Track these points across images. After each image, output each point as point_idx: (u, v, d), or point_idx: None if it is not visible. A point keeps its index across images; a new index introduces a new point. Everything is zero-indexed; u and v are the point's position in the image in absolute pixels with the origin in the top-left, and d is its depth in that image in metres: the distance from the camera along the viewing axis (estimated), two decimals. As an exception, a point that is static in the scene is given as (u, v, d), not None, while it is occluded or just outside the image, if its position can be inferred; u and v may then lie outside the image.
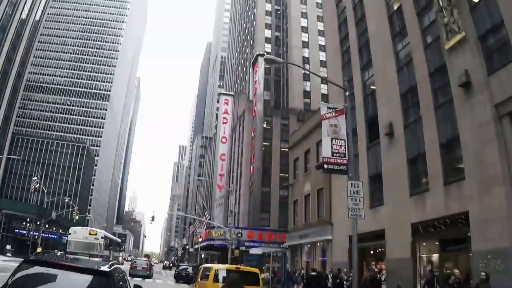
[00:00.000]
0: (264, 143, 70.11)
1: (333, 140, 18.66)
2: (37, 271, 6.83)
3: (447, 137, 23.01)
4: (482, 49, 20.52)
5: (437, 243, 23.85)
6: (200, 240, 72.05)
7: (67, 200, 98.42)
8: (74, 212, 69.74)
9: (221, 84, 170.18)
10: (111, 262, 8.16)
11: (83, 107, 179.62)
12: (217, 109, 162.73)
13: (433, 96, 24.55)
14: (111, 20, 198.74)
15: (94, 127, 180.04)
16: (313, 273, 28.36)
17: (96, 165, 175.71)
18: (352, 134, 32.48)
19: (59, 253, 22.47)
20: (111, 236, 79.25)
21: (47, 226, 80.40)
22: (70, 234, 57.41)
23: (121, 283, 7.76)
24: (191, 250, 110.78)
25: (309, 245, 39.53)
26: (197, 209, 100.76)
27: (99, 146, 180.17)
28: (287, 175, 70.44)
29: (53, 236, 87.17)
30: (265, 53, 77.98)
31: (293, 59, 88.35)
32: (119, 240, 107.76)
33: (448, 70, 22.68)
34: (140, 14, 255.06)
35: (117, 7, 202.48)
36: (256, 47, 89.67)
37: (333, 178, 35.77)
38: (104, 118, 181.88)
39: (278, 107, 79.76)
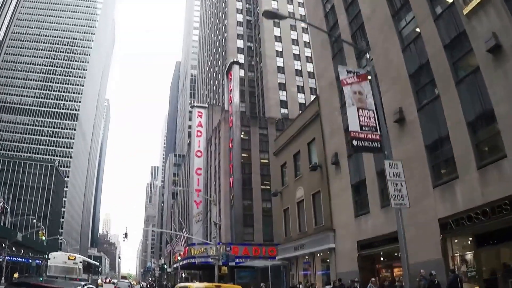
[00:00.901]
0: (242, 154, 65.46)
1: (360, 110, 14.19)
2: None
3: (476, 113, 19.15)
4: (509, 7, 17.35)
5: (472, 239, 19.71)
6: (179, 258, 66.42)
7: (34, 221, 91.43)
8: (40, 232, 63.16)
9: (192, 101, 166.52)
10: (84, 283, 10.91)
11: (51, 127, 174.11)
12: (189, 126, 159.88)
13: (452, 71, 20.62)
14: (78, 39, 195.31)
15: (64, 147, 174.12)
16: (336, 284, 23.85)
17: (66, 187, 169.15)
18: None
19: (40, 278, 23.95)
20: (89, 260, 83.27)
21: (14, 248, 73.64)
22: (50, 259, 60.44)
23: None
24: (169, 270, 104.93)
25: (306, 257, 34.77)
26: (174, 227, 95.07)
27: (69, 167, 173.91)
28: (268, 187, 66.59)
29: (21, 259, 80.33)
30: (238, 62, 73.65)
31: (267, 69, 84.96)
32: (97, 263, 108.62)
33: (470, 37, 19.40)
34: (107, 33, 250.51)
35: (84, 26, 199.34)
36: (229, 57, 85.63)
37: (331, 179, 31.46)
38: (73, 138, 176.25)
39: (255, 116, 75.30)
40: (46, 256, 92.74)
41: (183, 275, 79.47)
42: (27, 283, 9.41)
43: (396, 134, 24.27)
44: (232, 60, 73.75)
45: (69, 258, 59.61)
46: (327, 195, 31.64)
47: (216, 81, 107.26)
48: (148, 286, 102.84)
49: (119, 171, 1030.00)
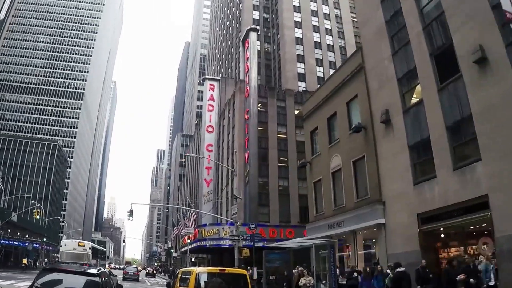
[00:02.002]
0: (258, 128, 59.81)
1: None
2: (53, 275, 10.69)
3: None
4: None
5: None
6: (188, 241, 60.98)
7: (33, 201, 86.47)
8: (35, 211, 57.99)
9: (201, 81, 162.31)
10: (98, 268, 13.96)
11: (56, 106, 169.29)
12: (198, 106, 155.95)
13: None
14: (85, 16, 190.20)
15: (68, 127, 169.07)
16: (401, 269, 18.23)
17: (70, 167, 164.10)
18: (410, 76, 23.35)
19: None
20: (97, 247, 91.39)
21: (9, 230, 68.63)
22: (61, 246, 64.33)
23: (107, 281, 11.69)
24: (175, 254, 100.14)
25: (344, 236, 29.07)
26: (180, 211, 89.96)
27: (73, 147, 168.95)
28: (286, 164, 61.23)
29: (17, 243, 75.34)
30: (256, 29, 67.88)
31: (284, 40, 79.78)
32: (104, 249, 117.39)
33: None
34: (115, 12, 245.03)
35: (92, 3, 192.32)
36: (243, 28, 79.73)
37: (379, 141, 25.82)
38: (78, 118, 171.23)
39: (272, 88, 69.61)
40: (45, 239, 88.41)
41: (192, 260, 74.26)
42: (57, 269, 11.73)
43: (475, 78, 18.86)
44: (249, 27, 67.70)
45: (79, 245, 62.95)
46: (374, 161, 25.98)
47: (229, 55, 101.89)
48: (154, 271, 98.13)
49: (125, 155, 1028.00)
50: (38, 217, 59.32)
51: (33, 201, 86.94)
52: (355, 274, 22.38)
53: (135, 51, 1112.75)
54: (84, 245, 63.88)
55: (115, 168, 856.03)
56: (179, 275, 16.86)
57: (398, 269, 18.53)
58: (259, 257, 33.53)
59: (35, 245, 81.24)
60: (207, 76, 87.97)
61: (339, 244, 29.60)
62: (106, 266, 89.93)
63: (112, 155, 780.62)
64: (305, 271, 21.90)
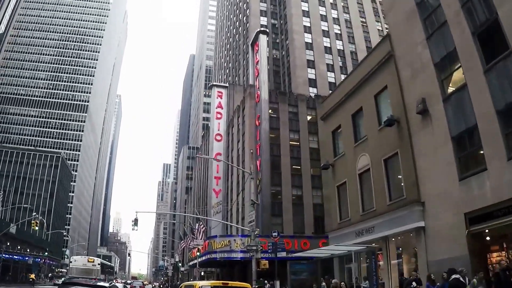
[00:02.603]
0: (270, 135, 57.03)
1: None
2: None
3: None
4: None
5: None
6: (198, 253, 57.76)
7: (34, 214, 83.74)
8: (33, 222, 54.85)
9: (207, 93, 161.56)
10: (110, 282, 17.56)
11: (60, 119, 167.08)
12: (204, 118, 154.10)
13: None
14: (89, 28, 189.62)
15: (72, 140, 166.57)
16: (456, 276, 15.34)
17: (74, 181, 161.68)
18: (449, 60, 20.65)
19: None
20: (106, 262, 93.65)
21: (8, 244, 65.82)
22: (71, 262, 66.59)
23: None
24: (182, 269, 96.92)
25: (373, 244, 26.04)
26: (189, 222, 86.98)
27: (78, 161, 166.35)
28: (299, 172, 58.40)
29: (16, 257, 72.52)
30: (266, 32, 65.48)
31: (294, 45, 77.45)
32: (112, 265, 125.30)
33: None
34: (119, 25, 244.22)
35: (95, 15, 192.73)
36: (251, 34, 77.50)
37: (416, 134, 23.08)
38: (83, 131, 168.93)
39: (283, 92, 66.96)
40: (47, 254, 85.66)
41: (202, 273, 71.19)
42: (76, 282, 13.10)
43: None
44: (258, 29, 65.32)
45: (88, 261, 65.18)
46: (410, 157, 23.18)
47: (236, 63, 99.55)
48: (161, 286, 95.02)
49: (130, 170, 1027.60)
50: (36, 228, 56.23)
51: (35, 213, 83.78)
52: (414, 284, 19.32)
53: (140, 66, 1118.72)
54: (93, 261, 66.28)
55: (121, 183, 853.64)
56: None
57: (453, 276, 15.70)
58: (279, 269, 30.78)
59: (36, 259, 78.32)
60: (214, 83, 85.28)
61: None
62: (119, 281, 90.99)
63: (118, 170, 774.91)
64: (342, 283, 18.64)
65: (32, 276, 66.84)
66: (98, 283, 14.16)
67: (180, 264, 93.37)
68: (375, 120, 26.97)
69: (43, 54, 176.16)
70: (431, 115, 21.93)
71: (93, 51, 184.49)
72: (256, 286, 28.71)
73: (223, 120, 73.57)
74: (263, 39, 61.93)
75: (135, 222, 35.35)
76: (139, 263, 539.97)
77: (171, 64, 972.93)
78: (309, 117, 61.97)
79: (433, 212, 21.23)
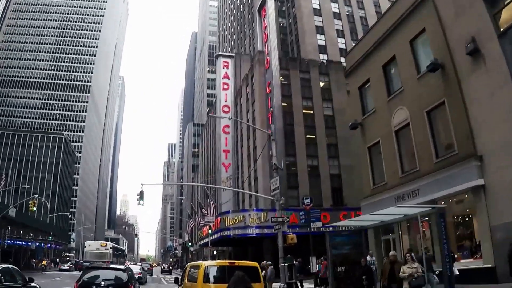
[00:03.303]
0: (282, 103, 53.34)
1: None
2: (94, 272, 15.64)
3: None
4: None
5: None
6: (209, 231, 54.14)
7: (36, 195, 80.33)
8: (31, 202, 51.20)
9: (211, 69, 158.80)
10: (125, 264, 38.65)
11: (62, 100, 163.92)
12: (208, 95, 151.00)
13: None
14: (90, 8, 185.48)
15: (75, 121, 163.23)
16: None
17: (78, 163, 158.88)
18: None
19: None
20: (117, 246, 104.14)
21: (9, 228, 62.69)
22: (85, 247, 71.27)
23: (131, 274, 16.63)
24: (192, 249, 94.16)
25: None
26: (194, 204, 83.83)
27: (81, 142, 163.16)
28: (314, 142, 54.92)
29: (19, 242, 69.71)
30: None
31: (301, 11, 73.53)
32: (122, 248, 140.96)
33: None
34: (120, 4, 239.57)
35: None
36: (256, 2, 73.57)
37: (465, 78, 19.47)
38: (86, 111, 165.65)
39: (294, 58, 63.12)
40: (51, 238, 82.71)
41: (214, 252, 68.16)
42: (96, 267, 17.31)
43: None
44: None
45: (101, 245, 69.12)
46: (460, 105, 19.55)
47: (241, 34, 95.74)
48: (170, 267, 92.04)
49: (136, 151, 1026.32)
50: (34, 209, 52.38)
51: (36, 195, 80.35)
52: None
53: (142, 47, 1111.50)
54: (105, 245, 70.35)
55: (127, 165, 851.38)
56: (187, 270, 16.22)
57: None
58: (305, 244, 27.34)
59: (37, 244, 75.43)
60: (220, 53, 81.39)
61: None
62: (129, 263, 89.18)
63: (123, 152, 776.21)
64: (410, 255, 14.81)
65: (44, 262, 66.88)
66: (116, 266, 18.27)
67: (190, 244, 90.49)
68: (413, 69, 23.29)
69: (44, 35, 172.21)
70: (484, 54, 18.28)
71: (94, 31, 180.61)
72: (285, 263, 25.37)
73: (230, 91, 69.87)
74: (270, 2, 57.98)
75: (141, 195, 31.40)
76: (147, 244, 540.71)
77: (174, 43, 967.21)
78: (322, 84, 58.50)
79: (495, 167, 17.68)
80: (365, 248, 21.40)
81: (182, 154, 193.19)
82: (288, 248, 26.04)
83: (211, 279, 13.76)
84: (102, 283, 14.64)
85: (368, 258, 21.46)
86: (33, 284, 16.84)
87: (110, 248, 70.91)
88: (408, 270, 14.30)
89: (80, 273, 16.26)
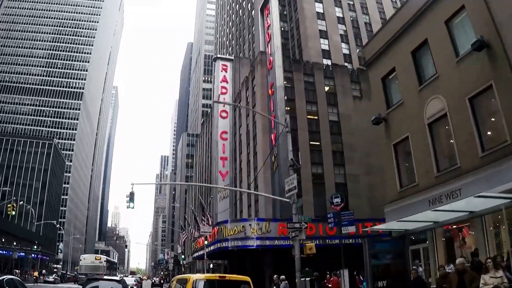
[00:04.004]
0: (286, 108, 50.27)
1: None
2: (94, 283, 17.36)
3: None
4: None
5: None
6: (206, 243, 49.99)
7: (21, 202, 76.69)
8: (9, 206, 47.05)
9: (206, 78, 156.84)
10: (120, 276, 41.66)
11: (54, 107, 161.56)
12: (203, 105, 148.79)
13: None
14: (85, 13, 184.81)
15: (67, 128, 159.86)
16: None
17: (69, 172, 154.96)
18: None
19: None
20: (111, 259, 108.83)
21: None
22: (81, 260, 71.97)
23: (125, 285, 18.12)
24: (184, 262, 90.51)
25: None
26: (188, 215, 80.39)
27: (72, 150, 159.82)
28: (318, 148, 51.80)
29: (0, 251, 66.44)
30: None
31: (304, 15, 70.86)
32: (115, 261, 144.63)
33: None
34: (115, 13, 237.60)
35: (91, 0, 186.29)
36: (257, 7, 71.00)
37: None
38: (77, 119, 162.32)
39: (298, 61, 60.11)
40: (35, 247, 79.06)
41: (211, 266, 64.54)
42: (96, 278, 19.58)
43: None
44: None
45: (95, 259, 70.89)
46: (512, 87, 16.45)
47: (240, 39, 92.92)
48: (161, 281, 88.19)
49: (128, 163, 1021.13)
50: (13, 213, 48.16)
51: (21, 202, 76.42)
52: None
53: (136, 58, 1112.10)
54: (100, 259, 72.02)
55: (118, 177, 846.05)
56: (174, 284, 15.73)
57: None
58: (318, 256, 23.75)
59: (20, 253, 72.19)
60: (218, 56, 78.41)
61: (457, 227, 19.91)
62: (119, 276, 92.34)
63: (115, 164, 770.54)
64: (494, 261, 11.37)
65: (36, 273, 68.30)
66: (112, 277, 20.75)
67: (182, 257, 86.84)
68: (450, 52, 20.17)
69: (38, 40, 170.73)
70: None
71: (89, 37, 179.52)
72: (304, 278, 22.13)
73: (229, 95, 66.82)
74: (274, 3, 55.16)
75: (131, 197, 27.78)
76: (138, 257, 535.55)
77: (168, 55, 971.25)
78: (327, 88, 55.58)
79: None
80: (409, 258, 17.89)
81: (175, 165, 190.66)
82: (306, 259, 22.66)
83: None
84: None
85: (421, 269, 18.13)
86: None
87: (104, 261, 73.12)
88: (491, 280, 10.90)
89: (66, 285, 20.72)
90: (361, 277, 25.71)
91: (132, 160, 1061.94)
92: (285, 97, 50.51)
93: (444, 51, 20.59)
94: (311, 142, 51.47)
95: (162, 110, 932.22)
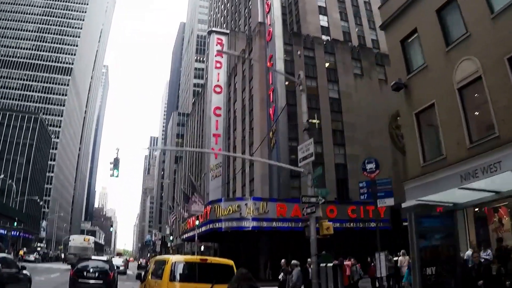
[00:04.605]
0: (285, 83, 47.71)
1: None
2: (85, 262, 21.80)
3: None
4: None
5: None
6: (197, 223, 46.85)
7: (1, 176, 74.39)
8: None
9: (198, 58, 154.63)
10: (107, 256, 55.68)
11: (42, 82, 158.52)
12: (195, 84, 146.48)
13: None
14: None
15: (54, 104, 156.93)
16: None
17: (55, 148, 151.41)
18: None
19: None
20: (98, 241, 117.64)
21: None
22: (70, 241, 74.45)
23: (112, 264, 23.07)
24: (172, 244, 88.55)
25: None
26: (178, 195, 77.90)
27: (60, 127, 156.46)
28: (318, 126, 49.40)
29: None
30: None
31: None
32: (102, 243, 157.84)
33: None
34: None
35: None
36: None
37: None
38: (66, 95, 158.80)
39: (298, 34, 57.32)
40: (16, 224, 76.70)
41: (202, 248, 62.07)
42: (87, 258, 23.98)
43: None
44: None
45: (84, 240, 72.56)
46: None
47: (236, 15, 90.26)
48: (148, 263, 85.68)
49: (117, 144, 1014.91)
50: None
51: (2, 176, 73.89)
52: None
53: (128, 39, 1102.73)
54: (88, 240, 73.37)
55: (107, 157, 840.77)
56: (152, 265, 14.13)
57: None
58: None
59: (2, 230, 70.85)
60: (213, 29, 75.40)
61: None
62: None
63: (104, 144, 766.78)
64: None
65: (21, 252, 71.10)
66: (101, 258, 26.45)
67: (171, 238, 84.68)
68: (484, 8, 17.56)
69: (28, 14, 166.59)
70: None
71: (80, 11, 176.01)
72: (321, 262, 19.69)
73: (223, 70, 64.15)
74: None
75: (116, 163, 24.79)
76: (125, 238, 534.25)
77: (160, 36, 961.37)
78: (327, 64, 53.05)
79: None
80: (458, 238, 15.21)
81: (165, 144, 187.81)
82: (322, 241, 19.82)
83: (178, 277, 12.02)
84: (91, 270, 20.60)
85: (469, 252, 15.59)
86: (24, 272, 19.92)
87: (92, 242, 75.12)
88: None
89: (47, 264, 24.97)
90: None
91: (122, 141, 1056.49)
92: (284, 71, 47.90)
93: (476, 7, 18.04)
94: (312, 118, 48.98)
95: (152, 91, 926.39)
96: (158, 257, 15.76)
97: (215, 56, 64.52)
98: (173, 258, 12.95)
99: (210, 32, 70.32)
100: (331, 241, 21.01)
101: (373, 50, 61.37)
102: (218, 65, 64.09)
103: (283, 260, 22.34)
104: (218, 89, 62.66)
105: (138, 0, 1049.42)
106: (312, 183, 20.11)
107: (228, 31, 70.92)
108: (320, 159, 47.40)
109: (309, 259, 20.69)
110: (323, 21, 66.15)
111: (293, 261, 20.53)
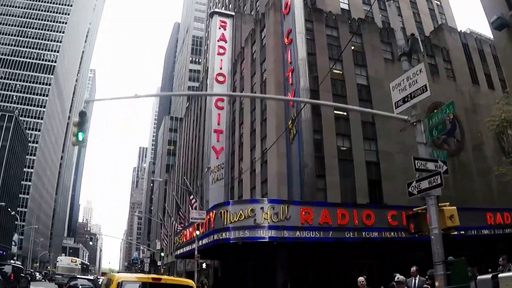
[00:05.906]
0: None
1: None
2: (75, 280, 30.75)
3: None
4: None
5: None
6: (197, 233, 38.16)
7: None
8: None
9: (194, 59, 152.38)
10: (94, 275, 80.00)
11: (22, 81, 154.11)
12: (189, 87, 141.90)
13: None
14: None
15: (35, 105, 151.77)
16: None
17: (34, 154, 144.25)
18: None
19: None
20: (85, 262, 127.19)
21: None
22: (58, 262, 79.42)
23: (98, 283, 31.68)
24: (161, 262, 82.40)
25: None
26: (175, 198, 71.20)
27: (39, 131, 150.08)
28: (345, 117, 42.71)
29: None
30: None
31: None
32: (88, 264, 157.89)
33: None
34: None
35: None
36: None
37: None
38: (47, 95, 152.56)
39: (319, 10, 50.58)
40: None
41: (204, 266, 55.10)
42: (77, 277, 32.69)
43: None
44: None
45: (71, 261, 76.80)
46: None
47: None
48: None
49: (103, 156, 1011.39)
50: None
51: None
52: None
53: (117, 43, 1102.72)
54: (75, 261, 78.19)
55: (92, 170, 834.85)
56: (103, 285, 14.01)
57: None
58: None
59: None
60: (216, 10, 68.99)
61: None
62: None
63: (89, 155, 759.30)
64: None
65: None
66: (87, 276, 36.66)
67: (162, 254, 78.49)
68: None
69: (10, 6, 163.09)
70: None
71: (65, 4, 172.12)
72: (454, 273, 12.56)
73: (227, 57, 57.71)
74: None
75: (81, 118, 16.45)
76: (110, 256, 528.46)
77: (151, 42, 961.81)
78: (353, 46, 46.50)
79: None
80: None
81: (155, 154, 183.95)
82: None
83: None
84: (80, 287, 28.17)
85: None
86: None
87: (79, 263, 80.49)
88: None
89: None
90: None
91: (109, 153, 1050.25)
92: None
93: None
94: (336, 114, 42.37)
95: (143, 99, 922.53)
96: (109, 275, 14.32)
97: (218, 41, 58.16)
98: (119, 276, 11.64)
99: (212, 14, 63.59)
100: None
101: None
102: (222, 50, 57.64)
103: (396, 276, 14.64)
104: (221, 78, 56.03)
105: (128, 2, 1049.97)
106: (429, 137, 13.04)
107: (233, 13, 64.54)
108: (348, 154, 40.85)
109: (429, 271, 13.42)
110: (343, 3, 59.92)
111: (398, 276, 13.43)
